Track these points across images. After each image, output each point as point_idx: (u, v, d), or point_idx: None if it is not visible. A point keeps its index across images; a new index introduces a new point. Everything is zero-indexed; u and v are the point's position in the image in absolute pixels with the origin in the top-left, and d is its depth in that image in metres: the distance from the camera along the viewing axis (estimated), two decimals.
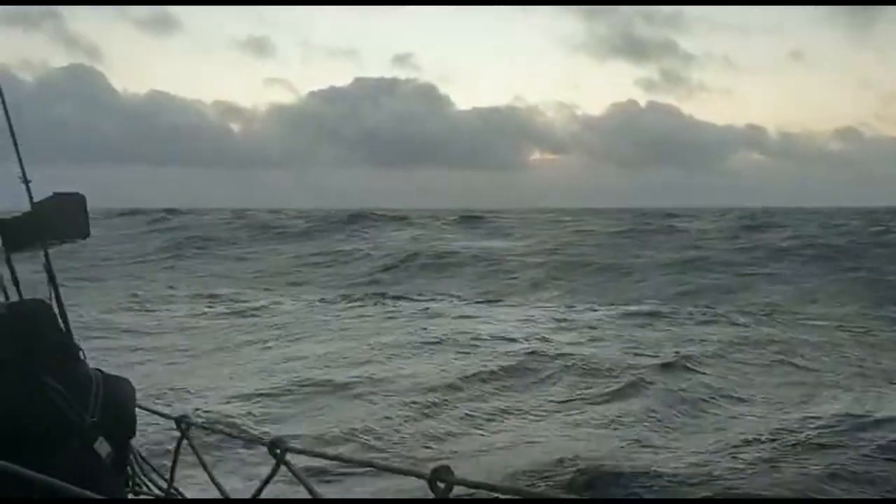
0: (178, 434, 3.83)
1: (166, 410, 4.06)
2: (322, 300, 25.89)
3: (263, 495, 3.23)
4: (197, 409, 11.09)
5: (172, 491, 4.22)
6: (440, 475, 2.31)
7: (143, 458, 4.27)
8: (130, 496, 4.23)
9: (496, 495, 2.44)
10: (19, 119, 4.64)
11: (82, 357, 3.63)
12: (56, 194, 4.54)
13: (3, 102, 4.57)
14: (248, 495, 3.40)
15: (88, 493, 2.60)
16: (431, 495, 2.29)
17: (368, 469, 2.47)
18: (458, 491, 2.26)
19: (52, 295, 4.49)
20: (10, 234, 4.54)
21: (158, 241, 48.09)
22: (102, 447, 3.23)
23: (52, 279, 4.57)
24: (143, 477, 4.33)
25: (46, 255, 4.59)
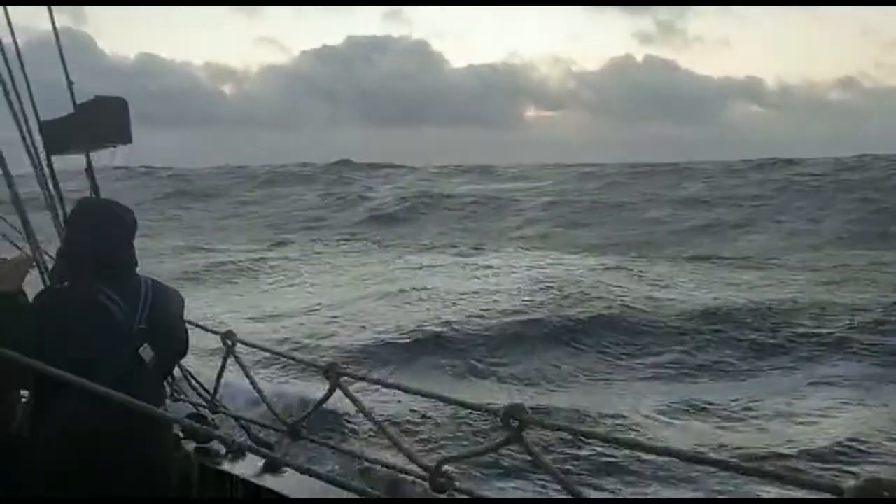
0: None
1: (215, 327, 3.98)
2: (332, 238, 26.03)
3: (317, 415, 3.22)
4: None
5: (216, 403, 4.22)
6: (514, 413, 2.24)
7: (188, 371, 4.26)
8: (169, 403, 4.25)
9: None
10: None
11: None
12: (98, 97, 4.41)
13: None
14: (298, 415, 3.39)
15: (130, 399, 2.58)
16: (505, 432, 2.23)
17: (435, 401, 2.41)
18: None
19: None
20: (51, 135, 4.43)
21: (151, 192, 46.77)
22: (146, 352, 3.28)
23: (93, 185, 4.47)
24: (187, 387, 4.33)
25: (88, 160, 4.47)
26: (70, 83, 4.42)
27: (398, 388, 2.80)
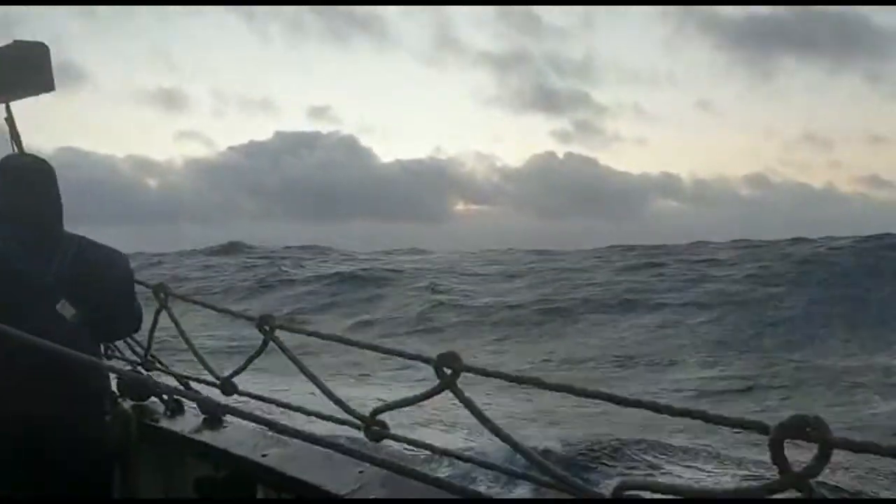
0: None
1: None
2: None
3: (250, 369, 3.14)
4: None
5: (149, 358, 4.12)
6: (447, 361, 2.20)
7: None
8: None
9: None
10: None
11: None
12: (17, 41, 4.18)
13: None
14: (232, 369, 3.30)
15: (51, 345, 2.44)
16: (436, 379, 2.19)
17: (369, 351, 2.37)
18: None
19: (15, 151, 4.22)
20: None
21: None
22: (65, 308, 3.16)
23: (14, 137, 4.26)
24: (122, 344, 4.22)
25: (8, 110, 4.27)
26: None
27: (333, 338, 2.73)
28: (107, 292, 3.35)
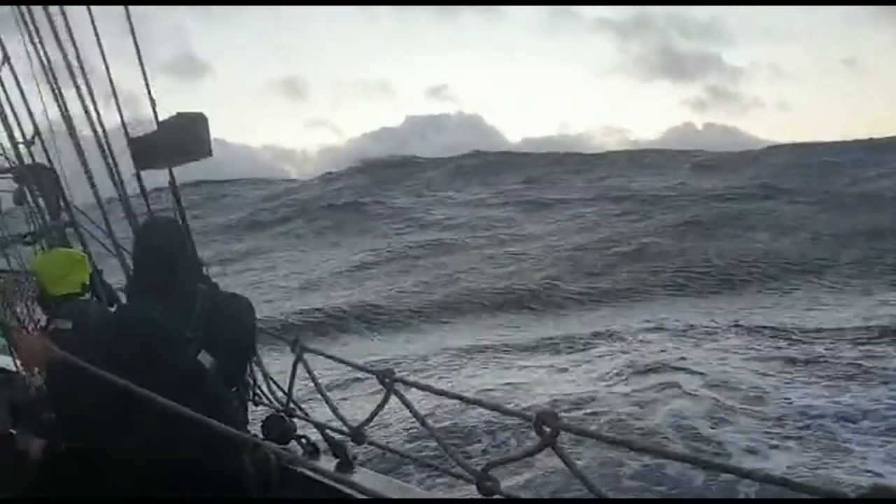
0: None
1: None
2: None
3: (375, 422, 3.29)
4: None
5: (291, 406, 4.34)
6: (546, 419, 2.25)
7: (266, 374, 4.41)
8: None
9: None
10: None
11: (205, 272, 3.84)
12: (179, 113, 4.60)
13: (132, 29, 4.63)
14: (361, 419, 3.46)
15: (179, 408, 2.61)
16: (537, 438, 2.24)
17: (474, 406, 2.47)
18: None
19: (177, 212, 4.61)
20: (138, 151, 4.67)
21: None
22: (205, 358, 3.46)
23: (177, 199, 4.67)
24: (265, 390, 4.48)
25: (171, 174, 4.69)
26: (153, 101, 4.64)
27: (446, 394, 2.83)
28: (240, 339, 3.68)
